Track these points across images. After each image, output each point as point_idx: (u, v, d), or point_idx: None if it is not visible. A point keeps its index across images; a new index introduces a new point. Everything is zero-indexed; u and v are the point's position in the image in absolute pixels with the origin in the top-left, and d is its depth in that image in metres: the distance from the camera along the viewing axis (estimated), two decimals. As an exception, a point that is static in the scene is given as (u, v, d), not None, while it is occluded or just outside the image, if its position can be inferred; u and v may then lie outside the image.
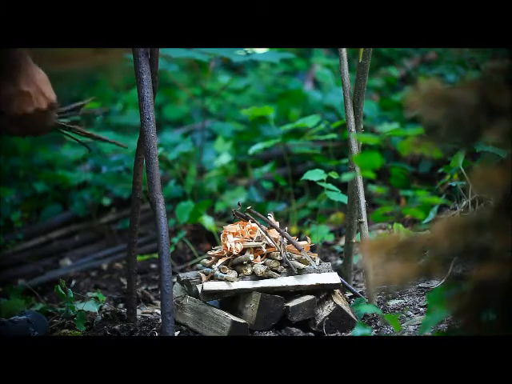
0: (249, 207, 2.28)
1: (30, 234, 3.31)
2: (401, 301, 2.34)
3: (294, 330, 2.13)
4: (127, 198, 3.38)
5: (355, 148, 2.31)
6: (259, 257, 2.18)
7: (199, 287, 2.16)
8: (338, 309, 2.17)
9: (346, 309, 2.18)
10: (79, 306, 2.42)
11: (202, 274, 2.20)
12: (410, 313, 2.25)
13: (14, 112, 1.90)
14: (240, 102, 4.17)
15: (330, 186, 2.55)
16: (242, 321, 2.10)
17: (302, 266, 2.17)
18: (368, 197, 3.05)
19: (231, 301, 2.17)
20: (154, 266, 3.08)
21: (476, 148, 2.48)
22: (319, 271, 2.19)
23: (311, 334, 2.15)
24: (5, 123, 1.94)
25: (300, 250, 2.19)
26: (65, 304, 2.43)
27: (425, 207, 2.66)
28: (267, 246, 2.19)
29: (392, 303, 2.33)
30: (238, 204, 2.30)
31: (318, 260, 2.23)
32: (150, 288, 2.83)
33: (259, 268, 2.14)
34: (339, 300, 2.19)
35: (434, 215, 2.64)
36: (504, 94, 1.48)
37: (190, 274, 2.28)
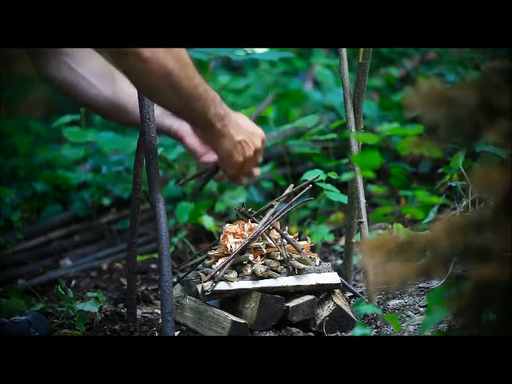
0: (249, 209, 2.28)
1: (30, 234, 3.31)
2: (401, 301, 2.34)
3: (294, 329, 2.13)
4: (127, 198, 3.38)
5: (355, 148, 2.31)
6: (259, 257, 2.17)
7: (199, 287, 2.16)
8: (338, 309, 2.17)
9: (346, 309, 2.18)
10: (79, 305, 2.42)
11: (201, 274, 2.20)
12: (410, 313, 2.25)
13: (239, 160, 2.10)
14: (240, 102, 4.17)
15: (329, 186, 2.55)
16: (242, 321, 2.10)
17: (302, 266, 2.17)
18: (368, 197, 3.05)
19: (231, 301, 2.17)
20: (154, 265, 3.08)
21: (476, 148, 2.48)
22: (319, 271, 2.19)
23: (311, 333, 2.15)
24: (232, 175, 2.16)
25: (300, 252, 2.19)
26: (65, 304, 2.43)
27: (425, 207, 2.66)
28: (267, 246, 2.19)
29: (392, 303, 2.33)
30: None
31: (318, 260, 2.23)
32: (149, 288, 2.83)
33: (259, 268, 2.14)
34: (339, 300, 2.19)
35: (434, 215, 2.64)
36: (504, 94, 1.48)
37: (189, 274, 2.28)
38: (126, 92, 2.19)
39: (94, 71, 2.17)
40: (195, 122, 2.05)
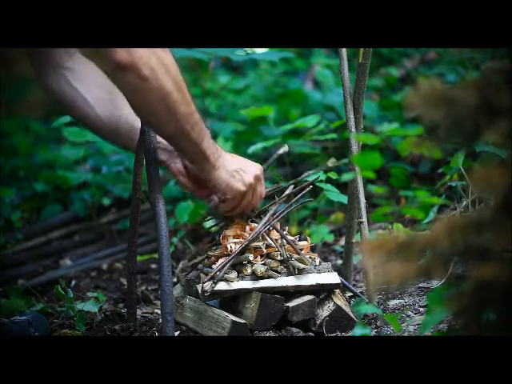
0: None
1: (30, 234, 3.31)
2: (401, 301, 2.34)
3: (294, 329, 2.13)
4: (127, 198, 3.38)
5: (355, 148, 2.31)
6: (259, 257, 2.17)
7: (199, 287, 2.16)
8: (338, 309, 2.17)
9: (346, 309, 2.18)
10: (79, 305, 2.42)
11: (201, 274, 2.20)
12: (410, 313, 2.25)
13: (240, 189, 2.09)
14: (240, 102, 4.17)
15: (329, 186, 2.55)
16: (242, 321, 2.09)
17: (302, 266, 2.17)
18: (368, 197, 3.05)
19: (231, 301, 2.17)
20: (154, 265, 3.08)
21: (476, 148, 2.48)
22: (319, 271, 2.19)
23: (311, 333, 2.15)
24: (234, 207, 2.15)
25: (299, 254, 2.19)
26: (65, 304, 2.43)
27: (425, 207, 2.66)
28: (267, 246, 2.19)
29: (392, 303, 2.33)
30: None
31: (318, 260, 2.23)
32: (149, 288, 2.83)
33: (259, 268, 2.14)
34: (339, 300, 2.19)
35: (434, 215, 2.64)
36: (504, 94, 1.48)
37: (189, 274, 2.28)
38: (122, 118, 2.17)
39: (93, 91, 2.15)
40: (189, 152, 2.01)
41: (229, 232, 2.22)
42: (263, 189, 2.18)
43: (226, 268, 2.12)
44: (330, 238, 3.03)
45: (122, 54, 1.79)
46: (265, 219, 2.20)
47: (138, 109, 1.92)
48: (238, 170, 2.09)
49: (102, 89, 2.16)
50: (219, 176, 2.06)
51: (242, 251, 2.16)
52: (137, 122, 2.15)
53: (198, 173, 2.08)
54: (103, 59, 1.82)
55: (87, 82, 2.15)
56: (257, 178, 2.13)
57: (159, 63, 1.82)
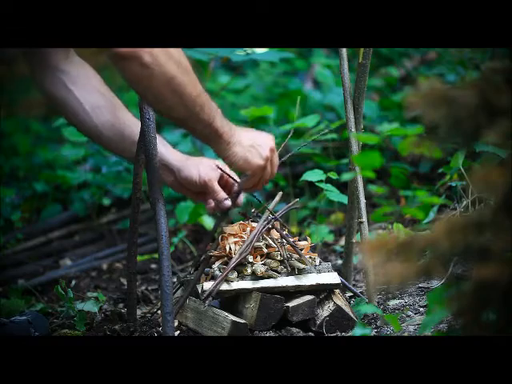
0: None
1: (30, 234, 3.31)
2: (401, 301, 2.34)
3: (294, 330, 2.13)
4: (127, 198, 3.38)
5: (355, 148, 2.31)
6: (259, 257, 2.17)
7: (199, 287, 2.16)
8: (338, 309, 2.17)
9: (346, 309, 2.18)
10: (79, 306, 2.42)
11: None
12: (410, 313, 2.25)
13: (257, 162, 2.04)
14: (240, 102, 4.16)
15: (328, 186, 2.55)
16: (242, 321, 2.10)
17: (302, 266, 2.17)
18: (368, 197, 3.05)
19: (231, 301, 2.17)
20: (154, 265, 3.08)
21: (476, 148, 2.48)
22: (319, 271, 2.19)
23: (311, 333, 2.15)
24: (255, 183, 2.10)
25: (300, 254, 2.19)
26: (65, 304, 2.43)
27: (425, 207, 2.66)
28: (267, 246, 2.19)
29: (392, 303, 2.33)
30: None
31: (318, 260, 2.23)
32: (150, 288, 2.83)
33: (259, 268, 2.14)
34: (339, 300, 2.19)
35: (434, 215, 2.64)
36: (504, 94, 1.48)
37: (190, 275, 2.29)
38: (126, 131, 2.18)
39: (89, 96, 2.15)
40: (202, 133, 1.99)
41: (229, 232, 2.22)
42: (277, 158, 2.14)
43: (227, 273, 2.12)
44: (329, 238, 3.03)
45: None
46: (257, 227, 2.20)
47: (144, 96, 1.93)
48: (253, 145, 2.05)
49: (100, 96, 2.16)
50: (236, 153, 2.03)
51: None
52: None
53: (215, 152, 2.06)
54: (105, 53, 1.82)
55: (83, 86, 2.14)
56: (272, 150, 2.10)
57: (160, 49, 1.82)
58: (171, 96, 1.86)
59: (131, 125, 2.19)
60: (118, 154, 2.29)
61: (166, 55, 1.82)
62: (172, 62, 1.83)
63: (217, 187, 2.19)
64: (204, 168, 2.19)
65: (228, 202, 2.18)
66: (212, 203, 2.21)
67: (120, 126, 2.18)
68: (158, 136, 2.17)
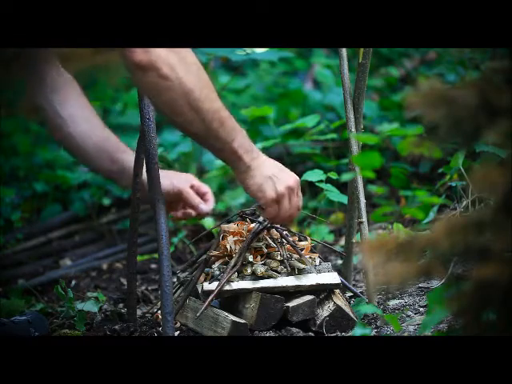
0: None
1: (30, 234, 3.31)
2: (401, 301, 2.34)
3: (294, 330, 2.13)
4: (127, 198, 3.38)
5: (355, 148, 2.31)
6: (259, 257, 2.17)
7: (199, 287, 2.16)
8: (338, 309, 2.17)
9: (346, 309, 2.18)
10: (79, 305, 2.42)
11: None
12: (410, 313, 2.25)
13: (270, 195, 1.99)
14: (240, 102, 4.17)
15: (328, 186, 2.55)
16: (242, 321, 2.10)
17: (302, 266, 2.17)
18: (368, 197, 3.05)
19: (231, 301, 2.17)
20: (154, 265, 3.08)
21: (476, 148, 2.48)
22: (319, 271, 2.19)
23: (311, 333, 2.15)
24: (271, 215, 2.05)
25: (300, 254, 2.19)
26: (65, 304, 2.43)
27: (425, 207, 2.66)
28: (267, 246, 2.19)
29: (392, 303, 2.33)
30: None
31: (318, 260, 2.23)
32: (150, 288, 2.83)
33: (259, 268, 2.14)
34: (339, 300, 2.19)
35: (434, 215, 2.64)
36: (504, 94, 1.48)
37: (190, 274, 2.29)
38: (93, 139, 2.14)
39: (66, 104, 2.12)
40: (221, 152, 1.95)
41: (228, 232, 2.23)
42: (299, 200, 2.08)
43: (228, 275, 2.12)
44: (329, 238, 3.03)
45: (141, 53, 1.77)
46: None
47: (161, 108, 1.88)
48: (272, 176, 2.00)
49: (79, 106, 2.14)
50: (253, 178, 1.98)
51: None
52: (126, 160, 2.15)
53: (234, 173, 2.01)
54: (122, 61, 1.80)
55: (62, 94, 2.12)
56: (290, 189, 2.03)
57: (179, 61, 1.80)
58: (188, 110, 1.83)
59: (111, 140, 2.16)
60: (95, 170, 2.25)
61: (186, 68, 1.80)
62: (191, 75, 1.81)
63: (192, 193, 2.16)
64: (178, 178, 2.17)
65: (204, 206, 2.17)
66: (179, 213, 2.18)
67: (98, 139, 2.14)
68: (126, 148, 2.17)
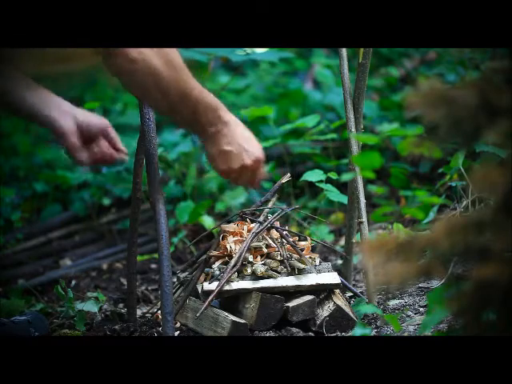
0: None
1: (30, 234, 3.31)
2: (401, 301, 2.34)
3: (294, 330, 2.13)
4: (127, 198, 3.38)
5: (355, 148, 2.31)
6: (259, 257, 2.17)
7: (199, 287, 2.16)
8: (338, 309, 2.17)
9: (346, 309, 2.18)
10: (79, 306, 2.42)
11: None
12: (409, 313, 2.25)
13: (221, 168, 2.03)
14: (240, 102, 4.17)
15: (328, 186, 2.55)
16: (242, 321, 2.10)
17: (302, 266, 2.17)
18: (368, 197, 3.05)
19: (231, 301, 2.17)
20: (154, 265, 3.08)
21: (476, 148, 2.48)
22: (319, 271, 2.19)
23: (311, 333, 2.15)
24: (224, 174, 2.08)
25: (300, 254, 2.19)
26: (65, 304, 2.43)
27: (425, 207, 2.66)
28: (267, 245, 2.19)
29: (392, 303, 2.33)
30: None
31: (318, 260, 2.23)
32: (150, 288, 2.83)
33: (259, 268, 2.14)
34: (339, 300, 2.19)
35: (434, 215, 2.64)
36: (504, 94, 1.48)
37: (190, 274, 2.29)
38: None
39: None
40: (186, 126, 2.04)
41: (228, 232, 2.23)
42: (263, 171, 2.10)
43: (228, 275, 2.12)
44: (329, 238, 3.03)
45: None
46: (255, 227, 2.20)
47: (132, 90, 1.96)
48: (227, 152, 2.03)
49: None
50: (209, 149, 2.02)
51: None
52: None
53: (199, 137, 2.05)
54: (94, 50, 1.84)
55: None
56: (245, 168, 2.05)
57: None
58: (155, 91, 1.89)
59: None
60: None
61: (153, 52, 1.85)
62: (159, 57, 1.85)
63: (116, 133, 2.10)
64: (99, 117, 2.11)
65: (119, 154, 2.10)
66: (97, 153, 2.04)
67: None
68: (48, 94, 1.98)
